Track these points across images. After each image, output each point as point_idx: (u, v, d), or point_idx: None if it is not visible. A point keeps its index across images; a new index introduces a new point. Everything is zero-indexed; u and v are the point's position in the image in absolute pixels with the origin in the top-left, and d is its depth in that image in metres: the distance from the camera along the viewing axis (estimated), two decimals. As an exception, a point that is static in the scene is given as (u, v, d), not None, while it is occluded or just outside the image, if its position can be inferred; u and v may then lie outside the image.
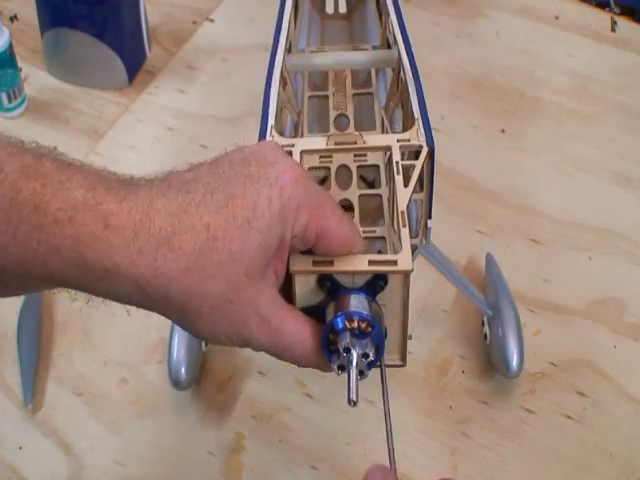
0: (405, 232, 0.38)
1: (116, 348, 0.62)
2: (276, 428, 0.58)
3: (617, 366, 0.61)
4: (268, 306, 0.35)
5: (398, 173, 0.41)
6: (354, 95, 0.59)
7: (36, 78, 0.84)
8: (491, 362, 0.59)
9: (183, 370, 0.56)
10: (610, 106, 0.81)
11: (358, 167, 0.51)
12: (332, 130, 0.55)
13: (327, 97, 0.59)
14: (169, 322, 0.58)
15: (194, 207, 0.33)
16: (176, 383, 0.57)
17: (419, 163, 0.42)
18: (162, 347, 0.61)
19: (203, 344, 0.59)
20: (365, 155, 0.51)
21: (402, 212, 0.39)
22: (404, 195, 0.40)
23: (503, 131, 0.78)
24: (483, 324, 0.61)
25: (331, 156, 0.51)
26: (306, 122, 0.57)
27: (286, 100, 0.52)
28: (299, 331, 0.36)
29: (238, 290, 0.33)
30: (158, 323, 0.62)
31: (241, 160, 0.35)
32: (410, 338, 0.64)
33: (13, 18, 0.90)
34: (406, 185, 0.41)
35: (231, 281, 0.33)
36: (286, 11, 0.56)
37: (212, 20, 0.91)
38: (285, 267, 0.37)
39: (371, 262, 0.36)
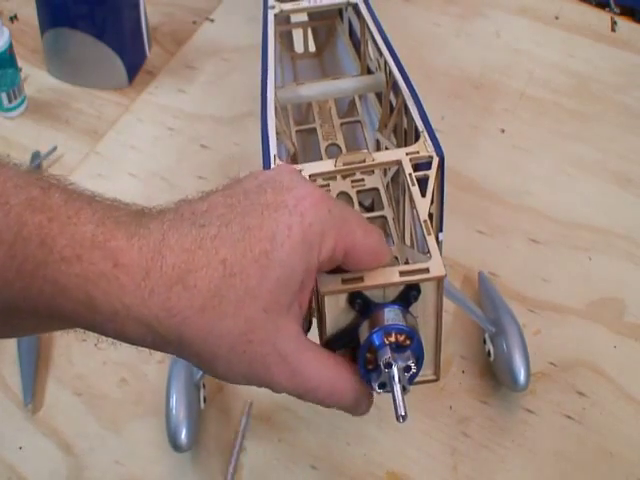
0: (432, 239, 0.37)
1: (116, 348, 0.62)
2: (276, 428, 0.58)
3: (617, 366, 0.61)
4: (289, 344, 0.33)
5: (413, 184, 0.41)
6: (341, 124, 0.59)
7: (36, 78, 0.84)
8: (496, 378, 0.59)
9: (184, 433, 0.54)
10: (610, 106, 0.81)
11: (357, 192, 0.51)
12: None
13: (314, 130, 0.59)
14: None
15: (209, 241, 0.31)
16: (176, 447, 0.54)
17: (432, 172, 0.42)
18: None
19: (202, 402, 0.57)
20: (363, 180, 0.51)
21: (425, 221, 0.39)
22: (423, 205, 0.40)
23: (503, 131, 0.78)
24: (485, 341, 0.60)
25: (328, 184, 0.51)
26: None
27: (281, 131, 0.52)
28: (322, 373, 0.34)
29: (257, 328, 0.31)
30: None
31: (256, 187, 0.33)
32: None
33: (13, 18, 0.90)
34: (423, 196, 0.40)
35: (249, 319, 0.31)
36: (270, 47, 0.56)
37: (212, 20, 0.91)
38: (310, 297, 0.35)
39: (402, 273, 0.35)
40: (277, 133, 0.48)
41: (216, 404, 0.59)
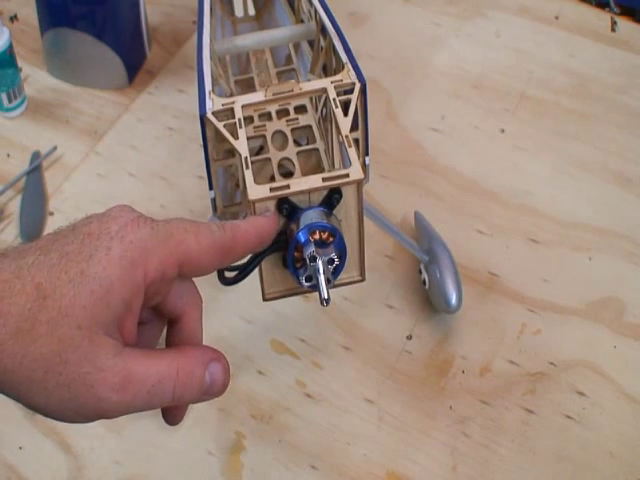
0: (352, 151, 0.41)
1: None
2: (276, 428, 0.58)
3: (617, 366, 0.61)
4: (109, 357, 0.31)
5: (337, 107, 0.44)
6: (277, 73, 0.61)
7: (36, 78, 0.84)
8: (432, 304, 0.62)
9: None
10: (610, 106, 0.81)
11: (292, 130, 0.53)
12: None
13: (252, 82, 0.61)
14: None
15: (26, 270, 0.31)
16: None
17: (354, 95, 0.46)
18: (161, 347, 0.61)
19: None
20: (297, 119, 0.54)
21: (346, 136, 0.42)
22: (345, 123, 0.43)
23: (503, 131, 0.78)
24: (420, 272, 0.63)
25: (265, 125, 0.53)
26: None
27: (217, 75, 0.54)
28: (160, 365, 0.33)
29: (71, 347, 0.30)
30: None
31: (84, 220, 0.34)
32: (410, 338, 0.65)
33: (13, 18, 0.90)
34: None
35: (63, 338, 0.30)
36: (206, 3, 0.59)
37: (212, 20, 0.92)
38: (136, 322, 0.33)
39: (325, 179, 0.39)
40: (214, 79, 0.50)
41: (216, 404, 0.59)
